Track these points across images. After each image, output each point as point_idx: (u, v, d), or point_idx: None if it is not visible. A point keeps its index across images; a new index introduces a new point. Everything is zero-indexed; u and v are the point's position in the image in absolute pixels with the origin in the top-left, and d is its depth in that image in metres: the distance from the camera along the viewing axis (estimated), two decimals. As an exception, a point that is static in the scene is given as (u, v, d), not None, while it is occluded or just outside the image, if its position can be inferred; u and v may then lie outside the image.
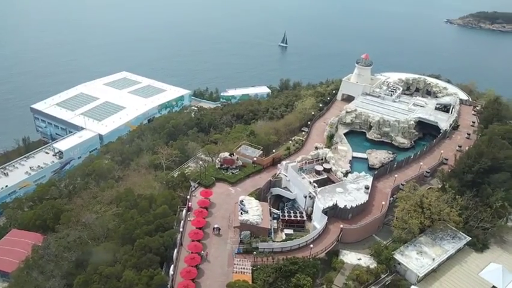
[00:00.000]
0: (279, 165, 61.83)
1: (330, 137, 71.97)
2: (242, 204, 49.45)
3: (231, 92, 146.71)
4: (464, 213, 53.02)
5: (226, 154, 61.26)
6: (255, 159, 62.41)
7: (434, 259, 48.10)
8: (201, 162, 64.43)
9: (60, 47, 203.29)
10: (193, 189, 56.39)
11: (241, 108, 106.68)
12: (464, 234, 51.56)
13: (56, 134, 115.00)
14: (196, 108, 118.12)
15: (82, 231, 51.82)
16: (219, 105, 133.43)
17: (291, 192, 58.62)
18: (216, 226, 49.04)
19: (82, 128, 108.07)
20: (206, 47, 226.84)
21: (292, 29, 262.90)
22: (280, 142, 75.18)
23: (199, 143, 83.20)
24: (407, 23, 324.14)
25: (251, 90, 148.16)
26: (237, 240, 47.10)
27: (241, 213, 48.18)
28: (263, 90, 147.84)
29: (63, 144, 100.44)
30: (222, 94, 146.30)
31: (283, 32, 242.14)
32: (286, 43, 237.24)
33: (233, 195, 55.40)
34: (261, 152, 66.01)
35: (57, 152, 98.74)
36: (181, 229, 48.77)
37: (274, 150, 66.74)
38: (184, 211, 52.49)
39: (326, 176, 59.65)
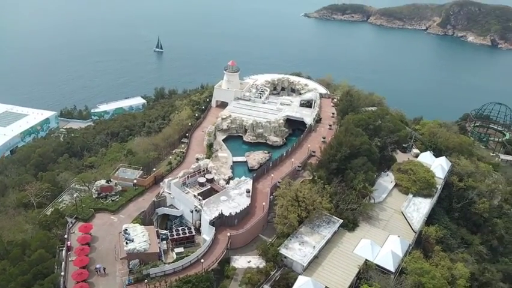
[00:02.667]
0: (161, 183, 61.31)
1: (210, 146, 73.56)
2: (126, 233, 48.04)
3: (102, 107, 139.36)
4: (334, 199, 59.27)
5: (103, 181, 58.56)
6: (135, 181, 60.87)
7: (314, 246, 52.96)
8: (76, 194, 60.38)
9: None
10: (71, 225, 52.83)
11: (116, 125, 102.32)
12: (336, 218, 57.69)
13: None
14: (64, 131, 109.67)
15: None
16: (91, 123, 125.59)
17: (177, 209, 58.73)
18: (97, 267, 46.44)
19: None
20: (69, 59, 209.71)
21: (167, 33, 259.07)
22: (161, 157, 74.29)
23: (73, 170, 77.72)
24: (268, 20, 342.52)
25: (125, 103, 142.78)
26: (126, 271, 45.73)
27: (127, 243, 46.82)
28: (138, 101, 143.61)
29: None
30: (92, 111, 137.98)
31: (157, 37, 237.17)
32: (161, 48, 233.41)
33: (116, 224, 53.40)
34: (141, 172, 64.55)
35: None
36: (62, 272, 45.48)
37: (154, 169, 65.74)
38: (64, 251, 49.01)
39: (209, 187, 61.06)
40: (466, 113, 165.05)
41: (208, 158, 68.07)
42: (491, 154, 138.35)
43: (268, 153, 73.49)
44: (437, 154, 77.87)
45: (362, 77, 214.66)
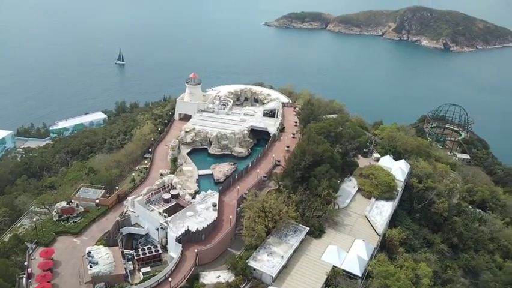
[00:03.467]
0: (125, 202, 60.09)
1: (174, 160, 72.82)
2: (90, 256, 46.70)
3: (61, 124, 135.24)
4: (300, 207, 60.04)
5: (64, 203, 56.71)
6: (97, 201, 59.34)
7: (282, 256, 53.38)
8: (35, 217, 58.10)
9: None
10: (31, 251, 50.71)
11: (76, 142, 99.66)
12: (303, 226, 58.47)
13: None
14: (22, 150, 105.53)
15: None
16: (50, 141, 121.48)
17: (142, 227, 57.67)
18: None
19: None
20: (24, 74, 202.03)
21: (128, 44, 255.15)
22: (123, 175, 72.92)
23: (32, 192, 74.94)
24: (230, 30, 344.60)
25: (85, 119, 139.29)
26: (92, 296, 44.45)
27: (91, 266, 45.51)
28: (99, 116, 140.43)
29: None
30: (51, 128, 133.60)
31: (118, 49, 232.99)
32: (123, 60, 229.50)
33: (80, 246, 51.76)
34: (104, 191, 63.13)
35: None
36: (23, 302, 43.62)
37: (117, 187, 64.37)
38: (24, 279, 46.99)
39: (175, 203, 60.35)
40: (423, 115, 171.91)
41: (173, 173, 67.38)
42: (449, 153, 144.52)
43: (234, 164, 73.62)
44: (397, 157, 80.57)
45: (323, 83, 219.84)
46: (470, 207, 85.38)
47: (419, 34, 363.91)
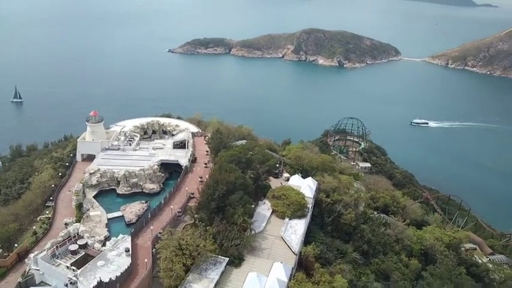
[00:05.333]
0: (26, 260, 54.73)
1: (79, 206, 68.29)
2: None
3: None
4: (218, 238, 59.97)
5: (-50, 273, 49.89)
6: (-7, 264, 53.22)
7: (204, 292, 52.55)
8: None
9: None
10: None
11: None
12: (222, 257, 58.22)
13: None
14: None
15: None
16: None
17: (49, 285, 52.78)
18: None
19: None
20: None
21: (25, 81, 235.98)
22: (23, 228, 66.53)
23: None
24: (133, 58, 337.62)
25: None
26: None
27: None
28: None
29: None
30: None
31: (13, 86, 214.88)
32: (20, 98, 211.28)
33: (-27, 321, 45.83)
34: (1, 250, 56.95)
35: None
36: None
37: (16, 244, 58.46)
38: None
39: (83, 253, 56.38)
40: (326, 129, 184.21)
41: (79, 221, 63.15)
42: (352, 163, 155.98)
43: (146, 202, 71.40)
44: (305, 175, 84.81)
45: (231, 107, 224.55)
46: (375, 213, 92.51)
47: (316, 54, 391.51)
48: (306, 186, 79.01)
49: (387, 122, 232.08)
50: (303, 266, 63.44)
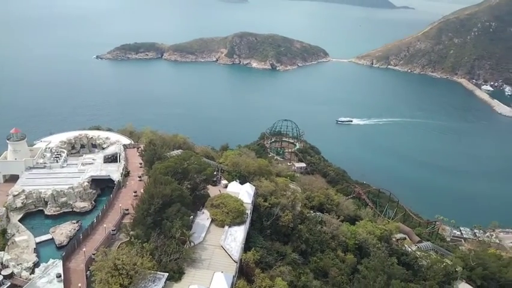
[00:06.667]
0: None
1: (3, 232, 63.38)
2: None
3: None
4: (156, 254, 58.67)
5: None
6: None
7: (144, 311, 51.16)
8: None
9: None
10: None
11: None
12: (161, 273, 56.91)
13: None
14: None
15: None
16: None
17: (-31, 323, 48.57)
18: None
19: None
20: None
21: None
22: None
23: None
24: (56, 66, 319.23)
25: None
26: None
27: None
28: None
29: None
30: None
31: None
32: None
33: None
34: None
35: None
36: None
37: None
38: None
39: (9, 284, 52.51)
40: (262, 132, 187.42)
41: (3, 249, 58.65)
42: (289, 164, 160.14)
43: (77, 222, 67.97)
44: (243, 181, 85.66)
45: (165, 114, 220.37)
46: (311, 212, 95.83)
47: (249, 57, 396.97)
48: (244, 192, 79.74)
49: (319, 122, 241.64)
50: (244, 272, 64.12)
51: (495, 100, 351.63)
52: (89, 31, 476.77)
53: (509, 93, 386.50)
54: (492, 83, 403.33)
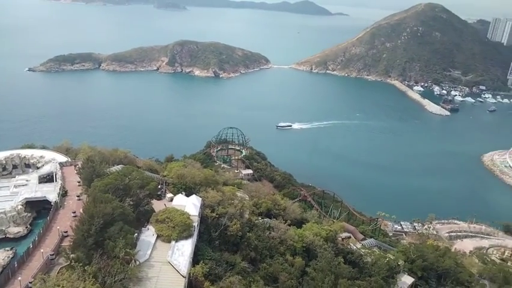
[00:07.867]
0: None
1: None
2: None
3: None
4: (99, 276, 56.16)
5: None
6: None
7: (89, 338, 48.81)
8: None
9: None
10: None
11: None
12: (106, 296, 54.83)
13: None
14: None
15: None
16: None
17: None
18: None
19: None
20: None
21: None
22: None
23: None
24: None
25: None
26: None
27: None
28: None
29: None
30: None
31: None
32: None
33: None
34: None
35: None
36: None
37: None
38: None
39: None
40: (208, 140, 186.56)
41: None
42: (236, 171, 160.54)
43: (11, 249, 63.61)
44: (189, 193, 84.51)
45: (105, 125, 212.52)
46: (259, 218, 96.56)
47: (191, 65, 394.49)
48: (190, 205, 78.60)
49: (262, 128, 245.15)
50: (193, 287, 63.19)
51: (426, 100, 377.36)
52: (21, 42, 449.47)
53: (438, 93, 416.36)
54: (422, 84, 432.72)
